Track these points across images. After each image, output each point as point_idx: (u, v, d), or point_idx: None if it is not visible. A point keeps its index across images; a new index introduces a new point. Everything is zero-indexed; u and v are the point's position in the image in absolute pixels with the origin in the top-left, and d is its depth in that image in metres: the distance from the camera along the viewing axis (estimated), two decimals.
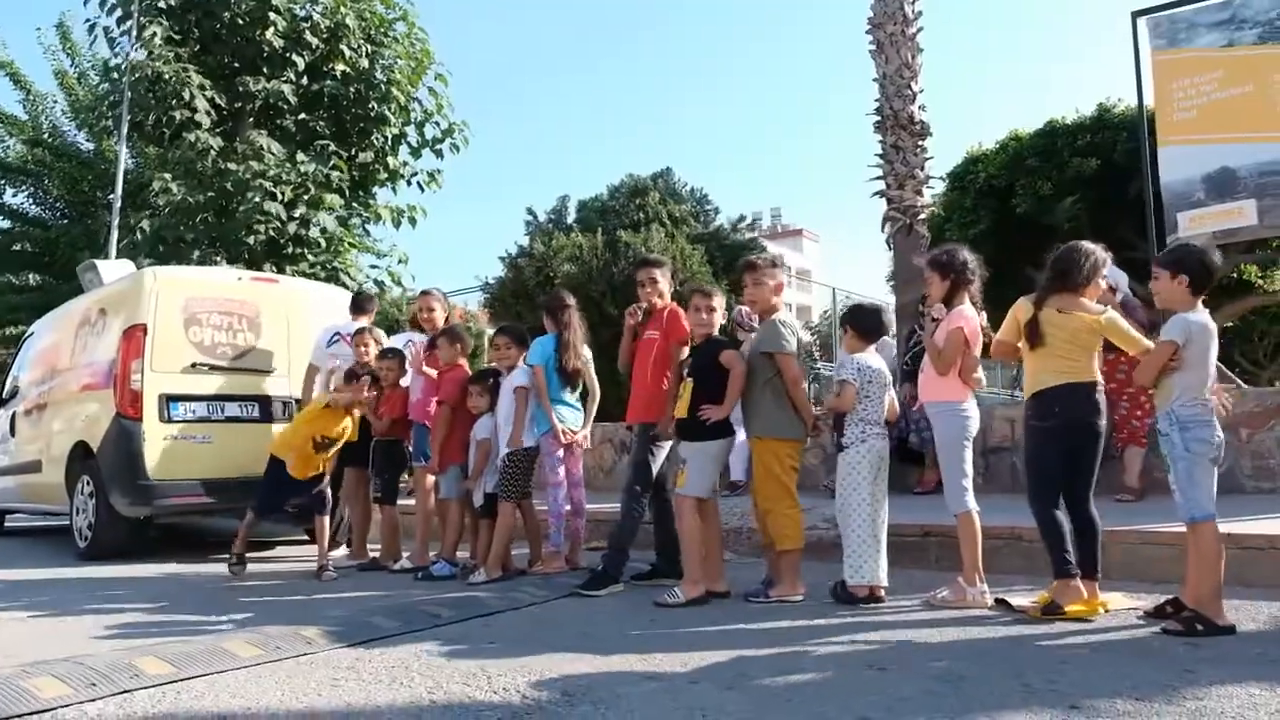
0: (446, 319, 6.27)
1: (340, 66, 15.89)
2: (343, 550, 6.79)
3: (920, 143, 10.65)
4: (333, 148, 15.60)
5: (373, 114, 16.36)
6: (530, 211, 14.60)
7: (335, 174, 15.27)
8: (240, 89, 15.27)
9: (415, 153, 17.43)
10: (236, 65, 15.75)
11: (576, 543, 5.61)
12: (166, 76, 14.72)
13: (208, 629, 4.16)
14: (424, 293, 6.45)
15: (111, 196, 15.31)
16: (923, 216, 10.54)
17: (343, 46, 16.16)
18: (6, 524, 9.72)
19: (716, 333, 4.89)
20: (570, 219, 14.37)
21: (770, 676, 3.18)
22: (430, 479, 5.99)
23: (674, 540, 5.16)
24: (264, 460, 6.76)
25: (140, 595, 5.16)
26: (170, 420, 6.80)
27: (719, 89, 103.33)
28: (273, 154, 15.05)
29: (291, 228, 15.06)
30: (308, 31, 15.82)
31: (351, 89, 16.08)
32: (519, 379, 5.47)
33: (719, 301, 4.89)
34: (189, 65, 14.89)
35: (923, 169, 10.68)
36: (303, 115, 16.80)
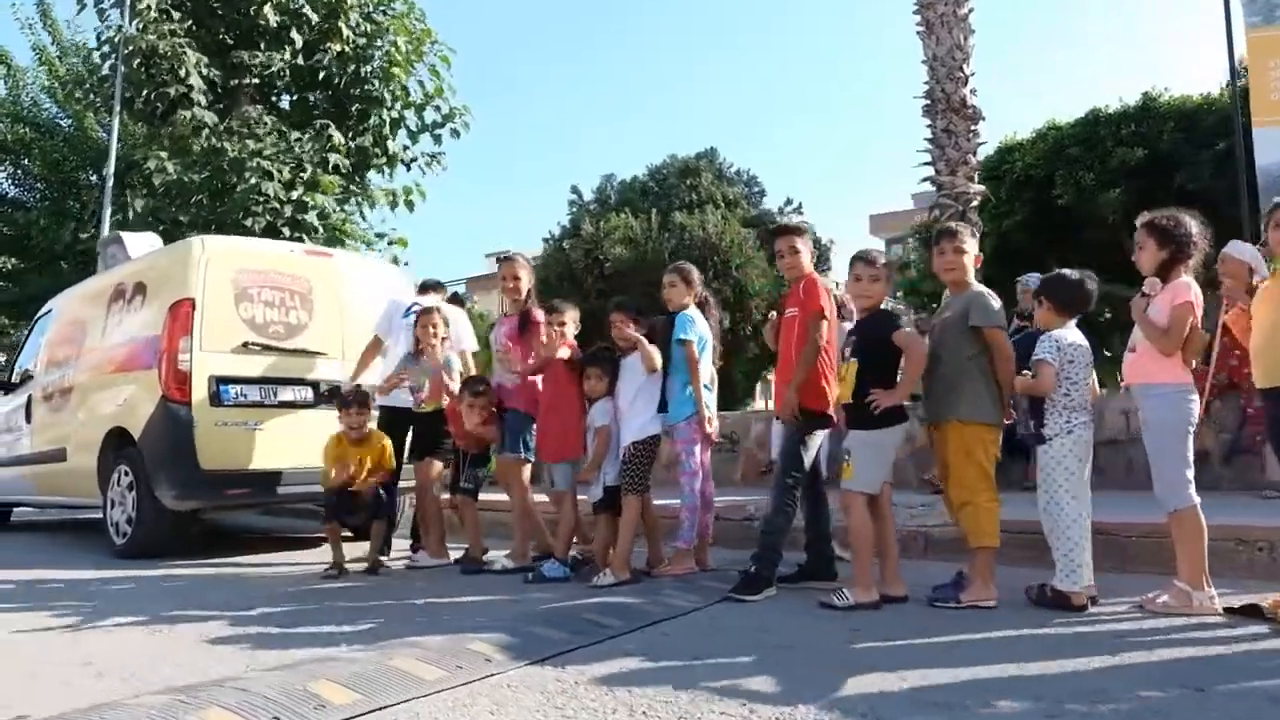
0: (530, 290, 5.57)
1: (338, 45, 15.09)
2: (391, 554, 6.14)
3: (973, 127, 10.20)
4: (334, 132, 14.80)
5: (371, 95, 15.58)
6: (575, 191, 13.91)
7: (333, 155, 14.48)
8: (235, 62, 14.40)
9: (414, 137, 16.69)
10: (231, 41, 14.88)
11: (705, 541, 5.01)
12: (162, 51, 13.82)
13: (335, 640, 3.52)
14: (506, 258, 5.77)
15: (105, 174, 14.34)
16: (975, 203, 10.10)
17: (341, 24, 15.38)
18: (13, 518, 8.89)
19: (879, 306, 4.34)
20: (612, 200, 13.73)
21: (1082, 702, 2.64)
22: (527, 471, 5.36)
23: (825, 538, 4.62)
24: (315, 451, 6.16)
25: (220, 599, 4.47)
26: (220, 404, 6.07)
27: (755, 67, 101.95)
28: (265, 124, 14.23)
29: (288, 211, 14.23)
30: (306, 6, 14.99)
31: (349, 68, 15.29)
32: (632, 367, 4.87)
33: (883, 271, 4.34)
34: (183, 39, 14.01)
35: (975, 154, 10.25)
36: (298, 95, 16.00)
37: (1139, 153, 11.07)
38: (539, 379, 5.26)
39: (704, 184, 11.69)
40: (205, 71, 14.27)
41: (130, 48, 13.92)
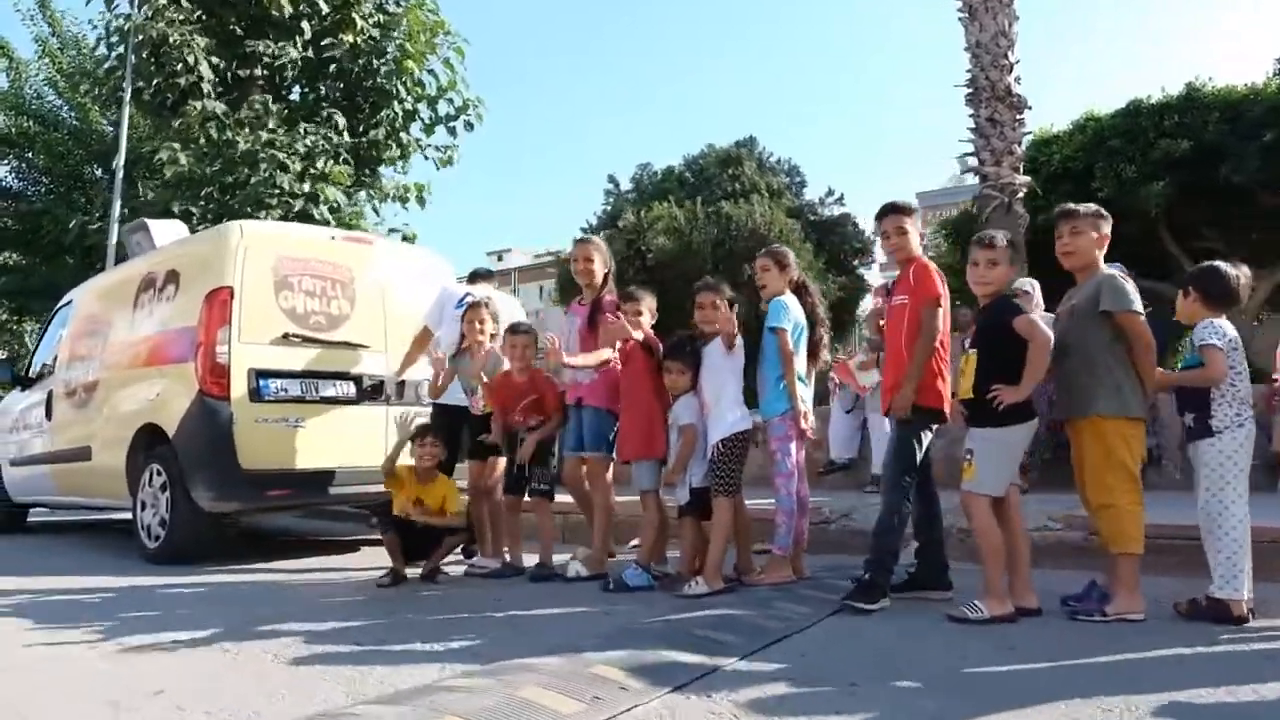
0: (606, 275, 5.16)
1: (350, 36, 14.64)
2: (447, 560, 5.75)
3: (1018, 116, 9.85)
4: (340, 117, 14.36)
5: (384, 87, 15.13)
6: (612, 180, 13.30)
7: (341, 146, 14.04)
8: (246, 52, 13.95)
9: (428, 130, 16.27)
10: (241, 31, 14.41)
11: (801, 547, 4.61)
12: (172, 40, 13.36)
13: (430, 660, 3.12)
14: (581, 241, 5.36)
15: (115, 165, 13.86)
16: (1021, 195, 9.75)
17: (354, 14, 14.95)
18: (29, 519, 8.45)
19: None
20: (649, 190, 13.17)
21: None
22: (610, 471, 4.95)
23: (938, 543, 4.23)
24: (357, 450, 5.79)
25: (276, 610, 4.05)
26: (260, 400, 5.65)
27: (783, 55, 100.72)
28: (272, 113, 13.79)
29: (298, 204, 13.79)
30: None
31: (361, 60, 14.85)
32: (715, 357, 4.47)
33: (1003, 253, 3.95)
34: (193, 27, 13.55)
35: (1020, 144, 9.90)
36: (309, 87, 15.56)
37: (1184, 144, 10.72)
38: (608, 372, 4.88)
39: (746, 173, 11.20)
40: (215, 61, 13.82)
41: (139, 37, 13.45)
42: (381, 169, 16.03)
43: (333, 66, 14.65)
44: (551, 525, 5.09)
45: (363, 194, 15.66)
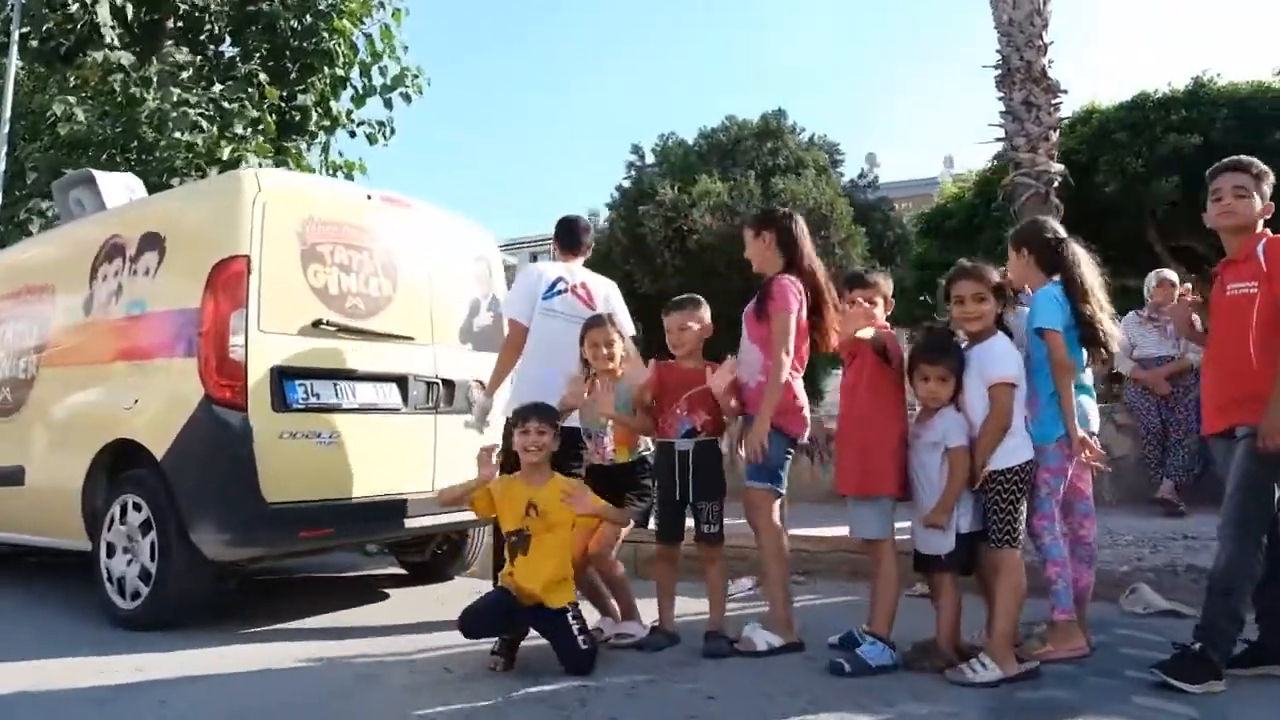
0: (796, 254, 3.87)
1: None
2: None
3: (1054, 100, 9.07)
4: (262, 75, 12.46)
5: (319, 47, 13.29)
6: (636, 151, 11.63)
7: (263, 109, 12.17)
8: None
9: (359, 100, 14.50)
10: None
11: (1083, 606, 3.47)
12: None
13: None
14: (764, 213, 4.05)
15: None
16: (1057, 184, 8.97)
17: None
18: None
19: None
20: (676, 163, 11.58)
21: None
22: (776, 507, 3.68)
23: None
24: (403, 473, 4.47)
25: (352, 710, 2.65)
26: (287, 408, 4.14)
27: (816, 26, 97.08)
28: (187, 67, 11.80)
29: (214, 172, 11.85)
30: None
31: (291, 16, 12.95)
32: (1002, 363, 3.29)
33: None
34: None
35: (1056, 130, 9.12)
36: (233, 43, 13.53)
37: (1194, 139, 10.22)
38: (792, 381, 3.65)
39: (789, 146, 10.05)
40: (119, 3, 11.69)
41: None
42: (303, 144, 14.13)
43: (260, 20, 12.70)
44: (721, 580, 3.78)
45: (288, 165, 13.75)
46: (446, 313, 4.96)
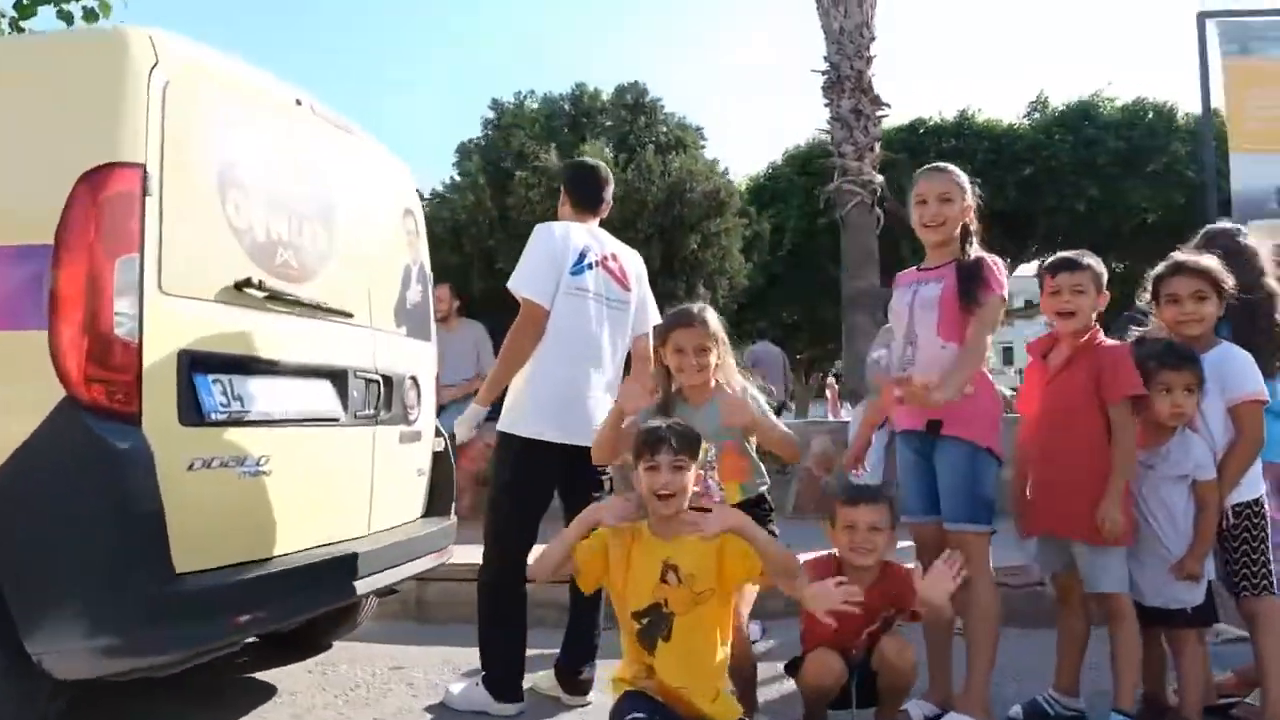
0: (974, 231, 2.99)
1: None
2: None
3: (879, 112, 9.08)
4: None
5: None
6: (496, 107, 9.02)
7: None
8: None
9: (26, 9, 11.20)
10: None
11: None
12: None
13: None
14: (933, 169, 3.08)
15: None
16: (880, 194, 8.99)
17: None
18: None
19: None
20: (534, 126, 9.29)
21: None
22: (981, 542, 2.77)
23: None
24: (342, 518, 3.14)
25: None
26: (201, 420, 2.51)
27: None
28: None
29: None
30: None
31: None
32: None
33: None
34: None
35: (880, 142, 9.14)
36: None
37: (964, 168, 10.88)
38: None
39: (669, 124, 8.70)
40: None
41: None
42: None
43: None
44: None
45: None
46: (384, 283, 3.48)
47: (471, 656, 3.90)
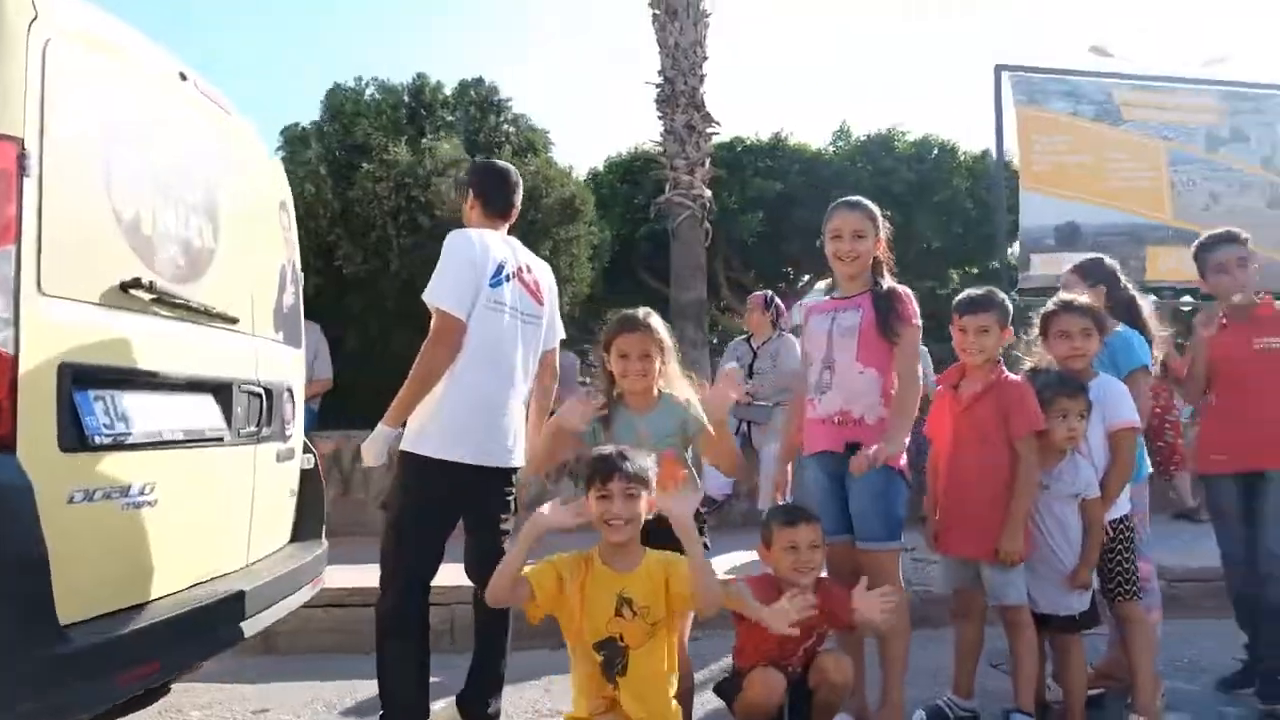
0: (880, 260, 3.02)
1: None
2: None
3: (710, 128, 9.30)
4: None
5: None
6: (341, 91, 7.59)
7: None
8: None
9: None
10: None
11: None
12: None
13: None
14: (846, 204, 3.03)
15: None
16: (709, 209, 9.20)
17: None
18: None
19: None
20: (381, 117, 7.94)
21: None
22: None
23: None
24: (223, 549, 2.83)
25: None
26: (83, 444, 2.12)
27: None
28: None
29: None
30: None
31: None
32: None
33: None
34: None
35: (710, 158, 9.34)
36: None
37: (777, 186, 11.42)
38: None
39: (521, 127, 7.95)
40: None
41: None
42: None
43: None
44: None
45: None
46: (264, 284, 3.13)
47: (343, 692, 3.62)
